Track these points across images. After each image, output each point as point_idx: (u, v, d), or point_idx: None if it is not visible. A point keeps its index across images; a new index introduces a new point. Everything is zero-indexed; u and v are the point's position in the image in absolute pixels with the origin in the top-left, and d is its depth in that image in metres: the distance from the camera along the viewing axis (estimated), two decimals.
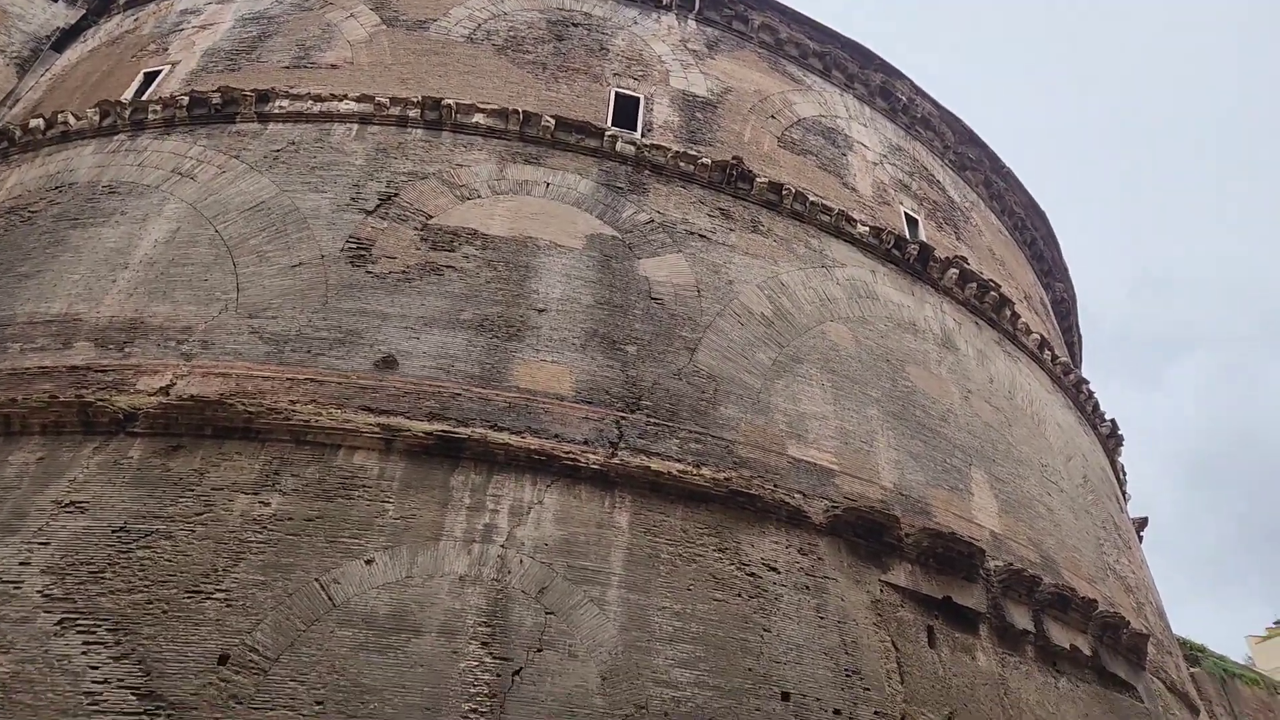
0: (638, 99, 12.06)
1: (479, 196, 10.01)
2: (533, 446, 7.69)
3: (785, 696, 7.02)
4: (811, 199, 11.60)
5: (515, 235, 9.62)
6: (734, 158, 11.29)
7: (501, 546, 7.10)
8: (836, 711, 7.10)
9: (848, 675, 7.37)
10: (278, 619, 6.47)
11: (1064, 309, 18.35)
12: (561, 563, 7.14)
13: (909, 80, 15.56)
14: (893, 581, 8.40)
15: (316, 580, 6.72)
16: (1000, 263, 14.98)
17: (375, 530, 7.09)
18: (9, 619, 6.47)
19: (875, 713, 7.24)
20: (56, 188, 10.32)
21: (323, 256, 9.16)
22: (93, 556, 6.82)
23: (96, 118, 10.90)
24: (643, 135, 11.43)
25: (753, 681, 6.98)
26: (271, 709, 5.98)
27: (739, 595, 7.48)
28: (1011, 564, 9.20)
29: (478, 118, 10.68)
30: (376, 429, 7.71)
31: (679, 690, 6.71)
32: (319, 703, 6.03)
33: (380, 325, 8.62)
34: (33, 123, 11.32)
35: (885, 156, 14.24)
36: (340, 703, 6.08)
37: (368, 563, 6.85)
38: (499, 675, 6.40)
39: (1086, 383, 14.43)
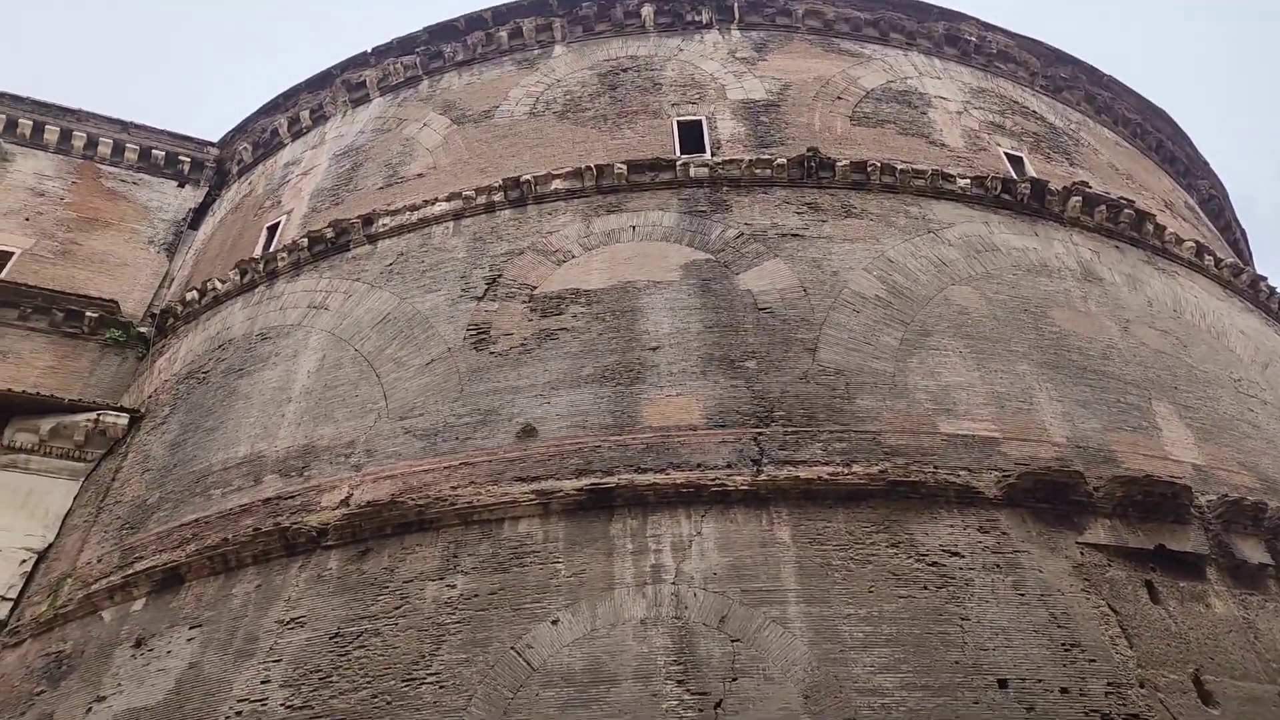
0: (700, 121, 12.24)
1: (573, 256, 10.44)
2: (679, 481, 7.86)
3: (1003, 684, 6.68)
4: (900, 167, 11.31)
5: (615, 283, 9.95)
6: (809, 150, 11.22)
7: (672, 584, 7.27)
8: (1064, 690, 6.67)
9: (1066, 650, 6.95)
10: (487, 692, 6.90)
11: (1215, 206, 16.76)
12: (734, 589, 7.23)
13: (974, 19, 14.92)
14: (1092, 541, 7.88)
15: (512, 649, 7.12)
16: (1127, 177, 13.95)
17: (553, 591, 7.44)
18: None
19: (1108, 684, 6.74)
20: (219, 346, 11.62)
21: (449, 349, 9.82)
22: (319, 664, 7.54)
23: (238, 277, 12.23)
24: (712, 154, 11.58)
25: (963, 674, 6.72)
26: None
27: (925, 588, 7.25)
28: (1226, 495, 8.40)
29: (555, 184, 11.19)
30: (532, 496, 8.13)
31: (886, 696, 6.56)
32: None
33: (513, 399, 9.12)
34: (188, 295, 12.83)
35: (968, 102, 13.68)
36: None
37: (553, 623, 7.20)
38: (700, 711, 6.52)
39: (1264, 279, 13.11)
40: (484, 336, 9.81)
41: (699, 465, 8.06)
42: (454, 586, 7.73)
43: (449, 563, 7.96)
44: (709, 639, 6.93)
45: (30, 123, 15.29)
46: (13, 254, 13.85)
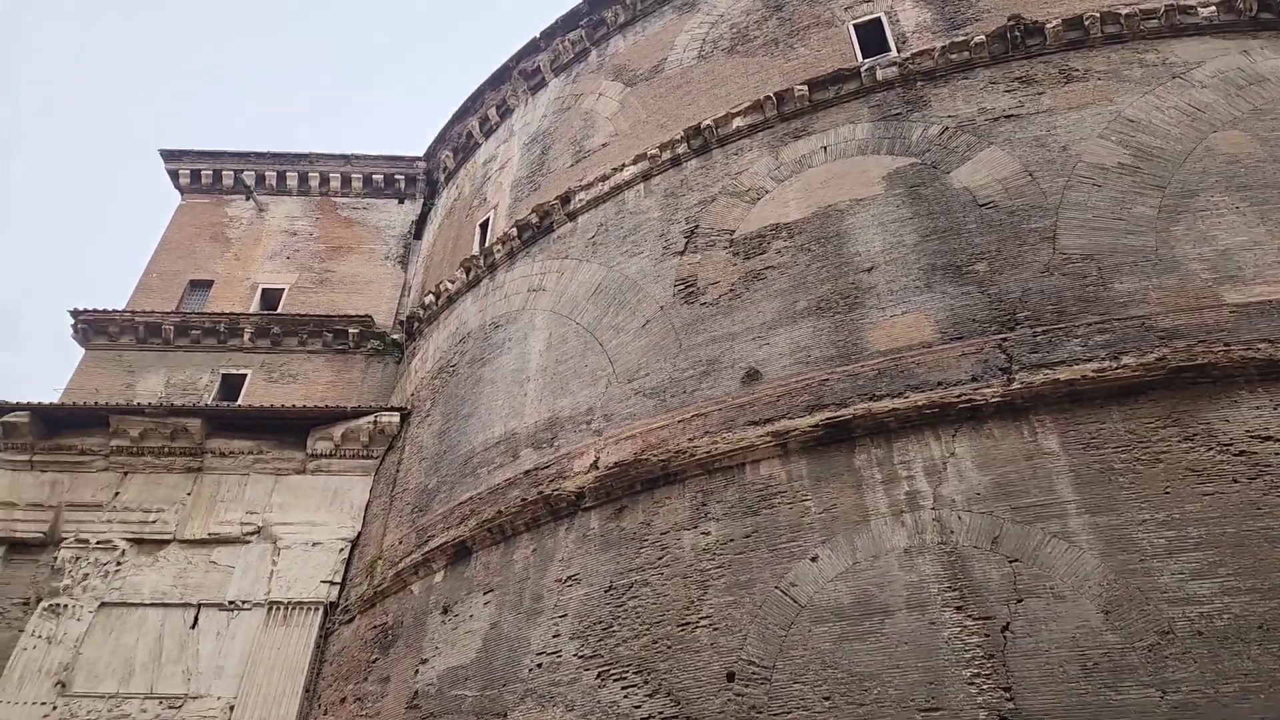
0: (878, 18, 11.35)
1: (767, 192, 10.17)
2: (920, 403, 7.49)
3: None
4: (1125, 11, 9.82)
5: (814, 210, 9.58)
6: (1010, 19, 10.04)
7: (932, 509, 6.99)
8: None
9: None
10: (759, 630, 7.07)
11: None
12: (1002, 507, 6.80)
13: None
14: None
15: (777, 588, 7.22)
16: None
17: (806, 529, 7.43)
18: (562, 682, 7.96)
19: None
20: (460, 340, 12.69)
21: (661, 308, 9.99)
22: (600, 616, 8.12)
23: (463, 275, 13.25)
24: (898, 51, 10.71)
25: None
26: (788, 712, 6.51)
27: (1234, 481, 6.39)
28: None
29: (735, 123, 10.93)
30: (768, 438, 8.12)
31: (1204, 604, 5.88)
32: (826, 698, 6.43)
33: (731, 345, 9.12)
34: (426, 299, 14.10)
35: None
36: (846, 694, 6.41)
37: (813, 560, 7.20)
38: (987, 635, 6.24)
39: None
40: (692, 289, 9.88)
41: (940, 384, 7.62)
42: (708, 534, 7.95)
43: (699, 511, 8.19)
44: (983, 561, 6.59)
45: (274, 173, 17.46)
46: (283, 290, 16.00)
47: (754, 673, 6.88)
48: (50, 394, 14.21)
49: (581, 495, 9.08)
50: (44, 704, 10.85)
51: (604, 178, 11.88)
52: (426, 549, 10.39)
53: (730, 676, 6.97)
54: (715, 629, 7.32)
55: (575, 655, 8.04)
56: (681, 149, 11.23)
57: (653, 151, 11.42)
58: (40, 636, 11.42)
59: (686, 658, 7.30)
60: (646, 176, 11.43)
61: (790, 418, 8.08)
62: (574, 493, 9.14)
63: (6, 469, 12.94)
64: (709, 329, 9.41)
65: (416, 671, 9.40)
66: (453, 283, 13.44)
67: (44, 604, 11.69)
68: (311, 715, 10.84)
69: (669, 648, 7.47)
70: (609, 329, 10.37)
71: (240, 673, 11.17)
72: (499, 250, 12.75)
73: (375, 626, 10.56)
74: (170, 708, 10.86)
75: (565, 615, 8.41)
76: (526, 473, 9.87)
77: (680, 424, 8.88)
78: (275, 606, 11.66)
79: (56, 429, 13.22)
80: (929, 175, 9.23)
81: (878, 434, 7.58)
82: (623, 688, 7.54)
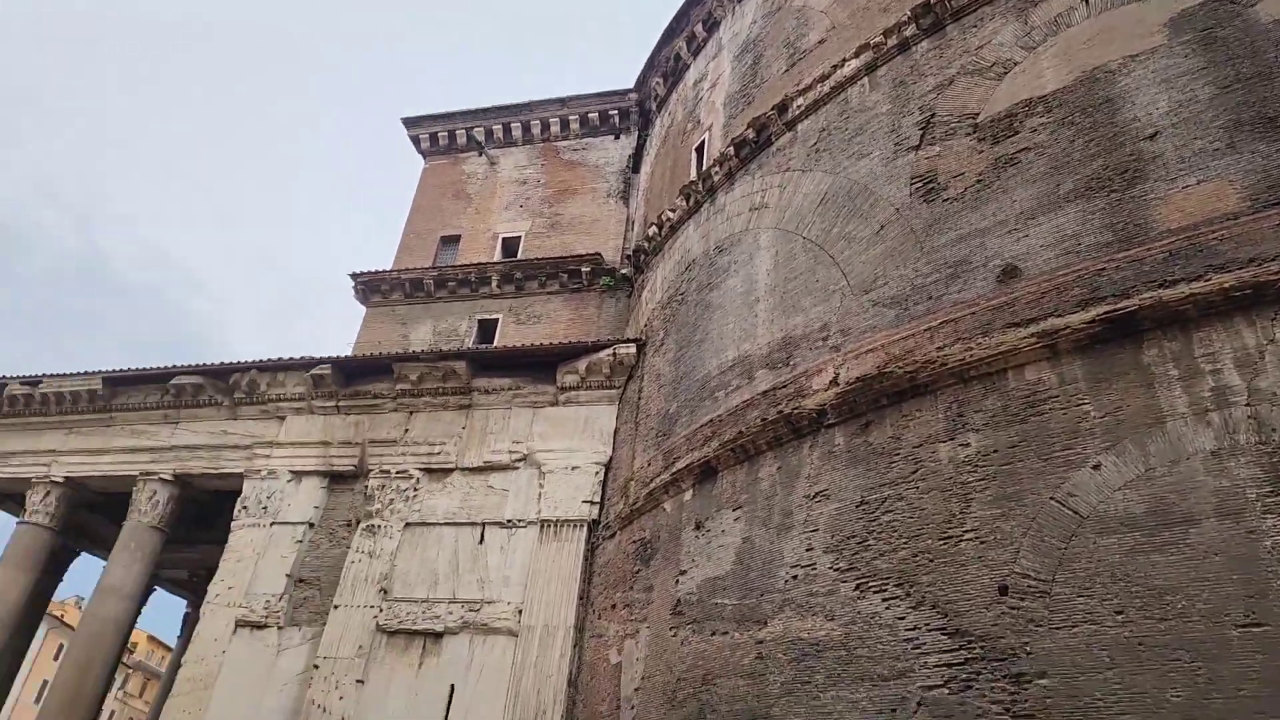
0: None
1: (1016, 64, 9.06)
2: (1226, 285, 6.43)
3: None
4: None
5: (1077, 76, 8.39)
6: None
7: (1246, 405, 6.04)
8: None
9: None
10: (1033, 543, 6.62)
11: None
12: None
13: None
14: None
15: (1052, 499, 6.69)
16: None
17: (1084, 435, 6.76)
18: (819, 593, 8.03)
19: None
20: (685, 268, 12.84)
21: (897, 210, 9.38)
22: (853, 531, 8.04)
23: (683, 202, 13.31)
24: None
25: None
26: (1072, 626, 6.09)
27: None
28: None
29: None
30: (1032, 339, 7.43)
31: None
32: (1119, 612, 5.92)
33: (982, 242, 8.38)
34: (649, 231, 14.37)
35: None
36: (1142, 609, 5.86)
37: (1094, 468, 6.56)
38: None
39: None
40: (932, 186, 9.15)
41: (1251, 260, 6.48)
42: (968, 445, 7.51)
43: (955, 423, 7.74)
44: None
45: (500, 126, 18.51)
46: (519, 237, 17.10)
47: (1030, 586, 6.48)
48: (344, 349, 16.38)
49: (823, 413, 8.94)
50: (373, 607, 12.87)
51: (823, 78, 11.23)
52: (674, 470, 10.83)
53: (1003, 590, 6.63)
54: (982, 542, 6.97)
55: (831, 568, 8.06)
56: (909, 31, 10.29)
57: (876, 39, 10.58)
58: (362, 552, 13.49)
59: (951, 571, 7.04)
60: (871, 69, 10.64)
61: (1059, 315, 7.32)
62: (814, 410, 9.02)
63: (320, 414, 15.23)
64: (954, 227, 8.71)
65: (677, 581, 9.94)
66: (673, 211, 13.54)
67: (362, 525, 13.76)
68: (588, 619, 11.92)
69: (930, 561, 7.25)
70: (839, 240, 9.95)
71: (523, 581, 12.49)
72: (716, 172, 12.60)
73: (634, 541, 11.27)
74: (471, 610, 12.44)
75: (817, 530, 8.42)
76: (764, 393, 9.87)
77: (926, 333, 8.38)
78: (545, 524, 12.84)
79: (352, 378, 15.28)
80: (1226, 13, 7.70)
81: (1170, 325, 6.64)
82: (883, 599, 7.46)
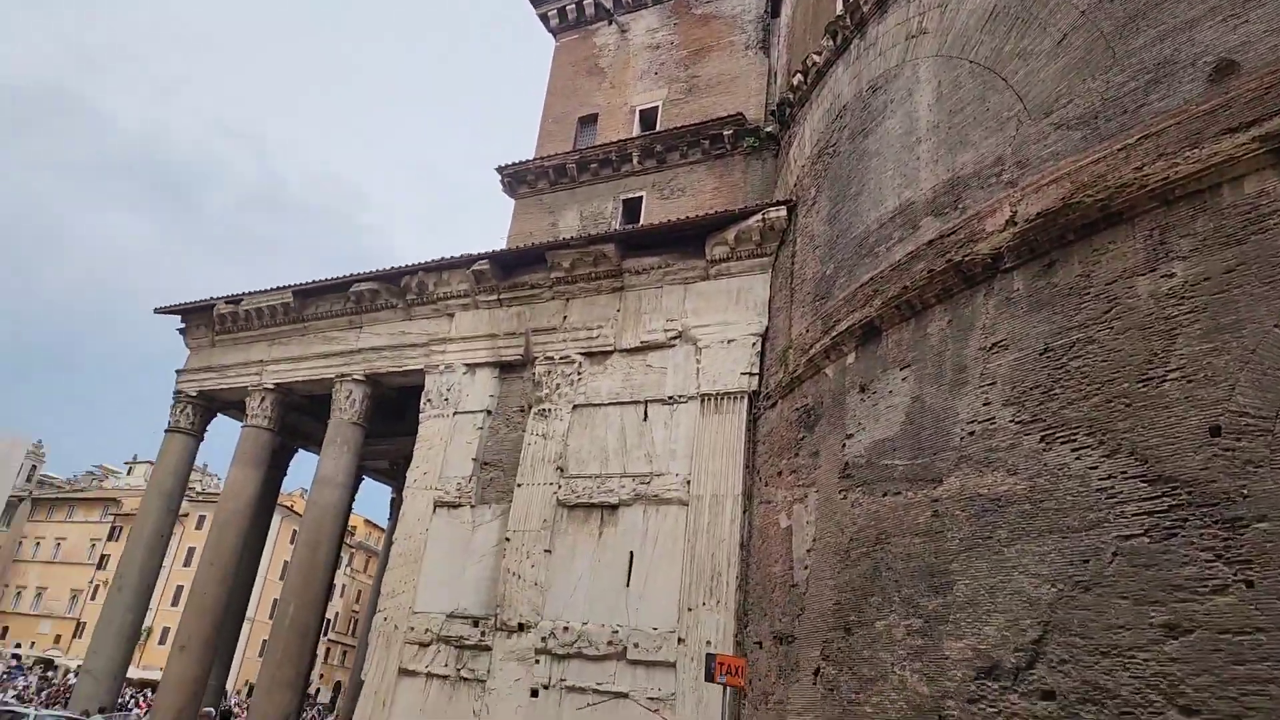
0: None
1: None
2: None
3: None
4: None
5: None
6: None
7: None
8: None
9: None
10: (1254, 378, 5.82)
11: None
12: None
13: None
14: None
15: (1276, 327, 5.80)
16: None
17: None
18: (999, 448, 7.57)
19: None
20: (836, 116, 11.93)
21: (1083, 12, 8.10)
22: (1036, 380, 7.43)
23: (829, 42, 12.23)
24: None
25: None
26: None
27: None
28: None
29: None
30: (1255, 145, 6.30)
31: None
32: None
33: (1189, 37, 7.09)
34: (794, 80, 13.42)
35: None
36: None
37: None
38: None
39: None
40: None
41: None
42: (1172, 275, 6.62)
43: (1156, 252, 6.82)
44: None
45: None
46: (657, 107, 16.53)
47: (1248, 425, 5.74)
48: (499, 244, 16.85)
49: (998, 256, 8.17)
50: (551, 484, 13.67)
51: None
52: (834, 334, 10.43)
53: (1214, 431, 5.93)
54: (1189, 381, 6.21)
55: (1011, 421, 7.54)
56: None
57: None
58: (537, 435, 14.24)
59: (1151, 414, 6.37)
60: None
61: None
62: (988, 255, 8.26)
63: (484, 308, 15.91)
64: (1154, 23, 7.42)
65: (844, 445, 9.75)
66: (819, 54, 12.50)
67: (534, 410, 14.47)
68: (755, 486, 12.06)
69: (1127, 406, 6.58)
70: (1013, 57, 8.79)
71: (689, 454, 12.76)
72: (866, 2, 11.40)
73: (797, 409, 11.11)
74: (641, 483, 12.92)
75: (994, 383, 7.87)
76: (929, 243, 9.15)
77: (1121, 152, 7.33)
78: (705, 399, 12.93)
79: (510, 271, 15.75)
80: None
81: None
82: (1073, 450, 6.92)
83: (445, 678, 13.12)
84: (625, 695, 11.65)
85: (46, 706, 19.31)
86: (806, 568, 9.91)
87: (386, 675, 13.57)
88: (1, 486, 47.43)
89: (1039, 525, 7.03)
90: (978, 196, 8.75)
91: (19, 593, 50.19)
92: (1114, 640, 6.24)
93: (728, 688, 9.58)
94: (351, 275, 17.20)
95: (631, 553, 12.59)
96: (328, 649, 46.78)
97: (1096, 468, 6.70)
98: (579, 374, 14.35)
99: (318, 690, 41.45)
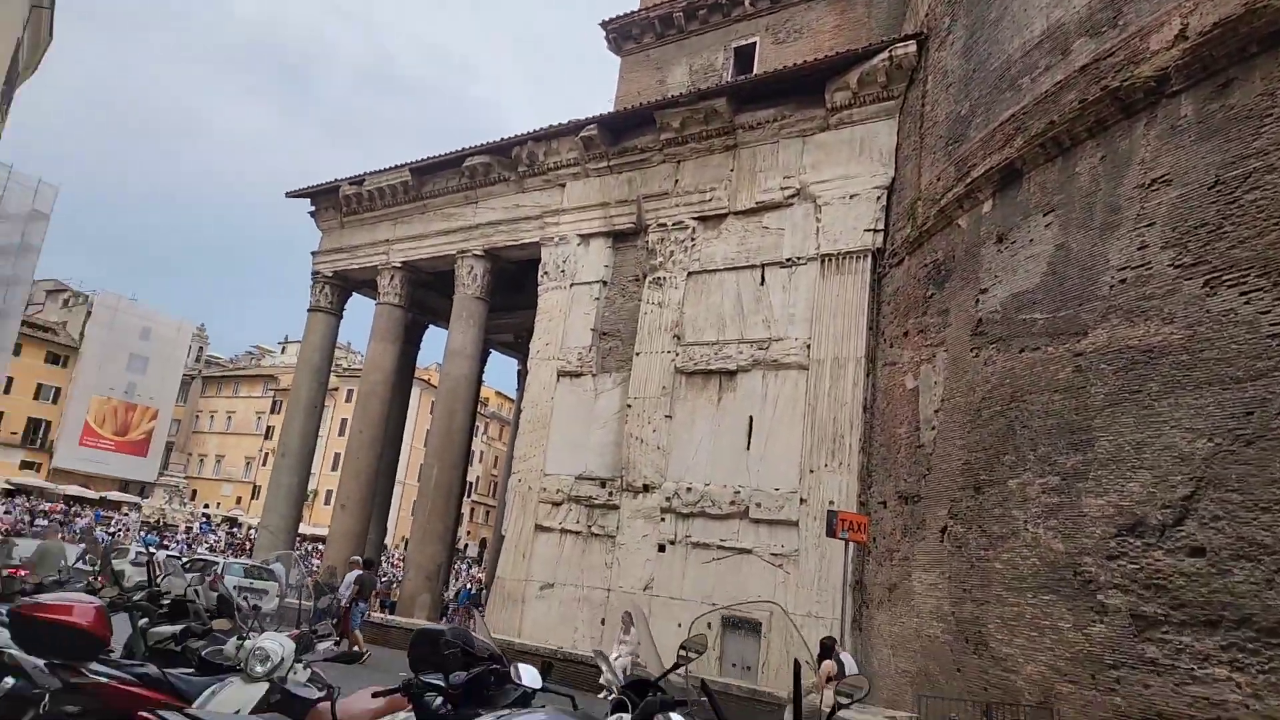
0: None
1: None
2: None
3: None
4: None
5: None
6: None
7: None
8: None
9: None
10: None
11: None
12: None
13: None
14: None
15: None
16: None
17: None
18: (1155, 295, 6.93)
19: None
20: None
21: None
22: (1201, 218, 6.66)
23: None
24: None
25: None
26: None
27: None
28: None
29: None
30: None
31: None
32: None
33: None
34: None
35: None
36: None
37: None
38: None
39: None
40: None
41: None
42: None
43: None
44: None
45: None
46: None
47: None
48: (606, 110, 16.38)
49: (1163, 78, 7.20)
50: (669, 352, 13.77)
51: None
52: (968, 180, 9.68)
53: None
54: None
55: (1170, 265, 6.85)
56: None
57: None
58: (652, 303, 14.25)
59: None
60: None
61: None
62: (1152, 78, 7.29)
63: (594, 176, 15.71)
64: None
65: (977, 301, 9.22)
66: None
67: (649, 278, 14.43)
68: (878, 348, 11.72)
69: None
70: None
71: (809, 317, 12.47)
72: None
73: (925, 265, 10.54)
74: (759, 349, 12.81)
75: (1153, 224, 7.12)
76: (1082, 69, 8.16)
77: None
78: (826, 259, 12.46)
79: (618, 135, 15.37)
80: None
81: None
82: (1241, 294, 6.26)
83: (578, 533, 13.94)
84: (749, 551, 12.03)
85: (234, 557, 22.07)
86: (934, 428, 9.67)
87: (524, 531, 14.56)
88: (175, 367, 52.73)
89: (1196, 377, 6.49)
90: (1141, 10, 7.66)
91: (202, 460, 56.69)
92: (1276, 495, 5.80)
93: (850, 543, 9.69)
94: (464, 150, 17.30)
95: (751, 417, 12.67)
96: (472, 509, 50.77)
97: (1268, 312, 6.05)
98: (692, 240, 14.11)
99: (465, 545, 45.40)
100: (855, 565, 10.85)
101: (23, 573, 8.62)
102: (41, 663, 3.89)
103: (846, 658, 6.62)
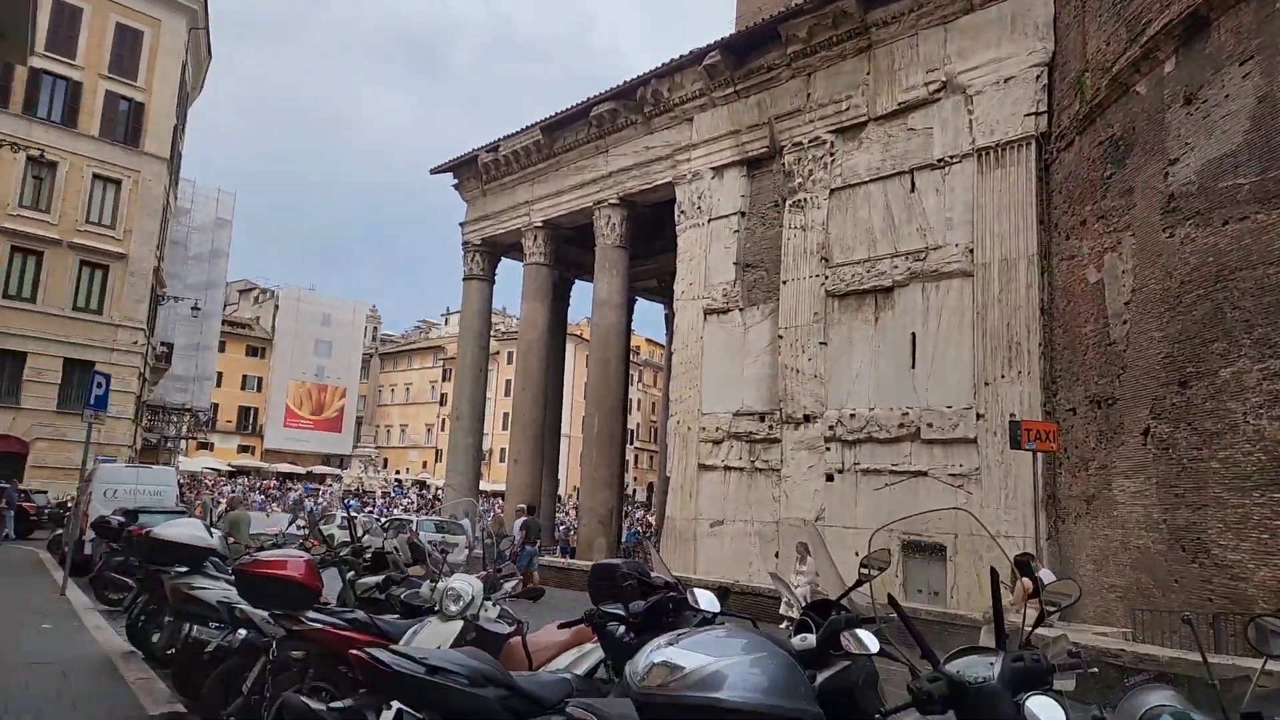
0: None
1: None
2: None
3: None
4: None
5: None
6: None
7: None
8: None
9: None
10: None
11: None
12: None
13: None
14: None
15: None
16: None
17: None
18: None
19: None
20: None
21: None
22: None
23: None
24: None
25: None
26: None
27: None
28: None
29: None
30: None
31: None
32: None
33: None
34: None
35: None
36: None
37: None
38: None
39: None
40: None
41: None
42: None
43: None
44: None
45: None
46: None
47: None
48: (725, 32, 15.72)
49: None
50: (817, 276, 13.25)
51: None
52: (1144, 40, 8.50)
53: None
54: None
55: None
56: None
57: None
58: (795, 228, 13.72)
59: None
60: None
61: None
62: None
63: (722, 104, 15.19)
64: None
65: (1166, 175, 8.15)
66: None
67: (788, 202, 13.87)
68: (1051, 243, 10.69)
69: None
70: None
71: (968, 220, 11.55)
72: None
73: (1100, 142, 9.42)
74: (916, 260, 12.04)
75: None
76: None
77: None
78: (983, 153, 11.44)
79: (743, 57, 14.74)
80: None
81: None
82: None
83: (741, 469, 13.89)
84: (923, 474, 11.52)
85: (426, 515, 23.85)
86: (1125, 322, 8.73)
87: (688, 471, 14.69)
88: (355, 347, 57.25)
89: None
90: None
91: (388, 430, 61.49)
92: None
93: (1038, 455, 9.01)
94: (589, 100, 17.25)
95: (913, 334, 12.00)
96: (635, 455, 52.18)
97: None
98: (831, 155, 13.38)
99: (634, 491, 46.85)
100: (1045, 479, 10.12)
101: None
102: (266, 614, 4.26)
103: (1046, 573, 6.18)
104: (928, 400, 11.62)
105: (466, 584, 4.08)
